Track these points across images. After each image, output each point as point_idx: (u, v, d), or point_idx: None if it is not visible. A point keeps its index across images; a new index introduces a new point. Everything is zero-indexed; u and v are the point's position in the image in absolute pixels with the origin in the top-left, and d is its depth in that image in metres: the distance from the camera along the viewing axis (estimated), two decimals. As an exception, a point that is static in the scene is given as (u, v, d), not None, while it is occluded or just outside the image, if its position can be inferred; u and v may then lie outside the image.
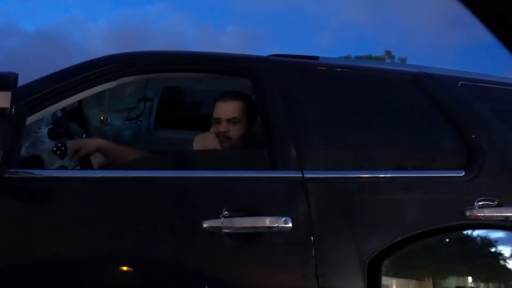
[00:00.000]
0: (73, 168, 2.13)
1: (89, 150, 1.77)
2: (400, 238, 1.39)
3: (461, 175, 1.55)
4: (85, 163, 1.82)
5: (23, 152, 1.78)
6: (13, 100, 1.16)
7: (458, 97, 1.77)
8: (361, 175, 1.54)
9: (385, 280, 1.37)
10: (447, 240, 1.51)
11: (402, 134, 1.69)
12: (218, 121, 1.80)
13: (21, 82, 1.38)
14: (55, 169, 1.79)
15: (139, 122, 2.50)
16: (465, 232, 1.54)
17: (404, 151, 1.67)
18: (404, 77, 1.85)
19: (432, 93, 1.76)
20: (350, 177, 1.52)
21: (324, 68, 1.83)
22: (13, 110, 1.16)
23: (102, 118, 2.41)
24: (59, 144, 1.96)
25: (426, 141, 1.69)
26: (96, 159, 2.13)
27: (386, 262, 1.36)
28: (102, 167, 2.16)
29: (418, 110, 1.76)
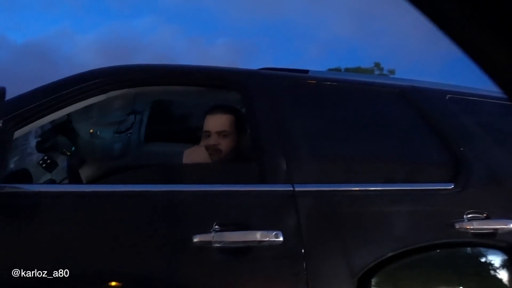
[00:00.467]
0: (61, 182, 2.11)
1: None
2: (390, 254, 1.39)
3: (450, 187, 1.57)
4: (74, 178, 1.80)
5: (11, 165, 1.76)
6: (1, 114, 1.14)
7: (445, 110, 1.80)
8: (351, 188, 1.54)
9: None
10: (438, 256, 1.51)
11: (391, 147, 1.70)
12: (208, 134, 1.81)
13: (9, 95, 1.37)
14: (42, 183, 1.76)
15: (129, 135, 2.48)
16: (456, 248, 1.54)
17: (393, 164, 1.68)
18: (391, 90, 1.87)
19: (419, 106, 1.78)
20: (341, 190, 1.53)
21: (313, 81, 1.84)
22: (0, 124, 1.14)
23: (91, 131, 2.39)
24: (45, 157, 1.93)
25: (415, 154, 1.70)
26: (85, 172, 2.11)
27: (375, 279, 1.36)
28: (91, 180, 2.15)
29: (406, 123, 1.77)
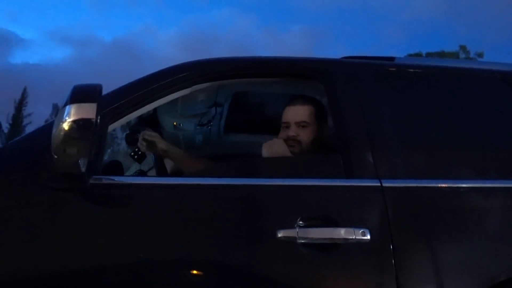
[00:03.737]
0: (148, 172, 2.22)
1: (156, 150, 1.85)
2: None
3: None
4: (161, 168, 1.88)
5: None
6: (98, 110, 1.21)
7: None
8: (444, 184, 1.44)
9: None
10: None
11: (489, 137, 1.56)
12: (287, 125, 1.79)
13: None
14: (134, 175, 1.86)
15: (209, 127, 2.54)
16: None
17: (493, 157, 1.53)
18: (489, 75, 1.71)
19: None
20: (432, 187, 1.43)
21: (400, 69, 1.74)
22: (98, 120, 1.20)
23: (175, 123, 2.48)
24: (136, 149, 2.04)
25: None
26: (168, 164, 2.19)
27: None
28: (176, 171, 2.23)
29: (507, 111, 1.61)
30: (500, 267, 1.34)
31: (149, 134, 1.87)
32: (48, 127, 1.35)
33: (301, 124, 1.77)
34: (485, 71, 1.77)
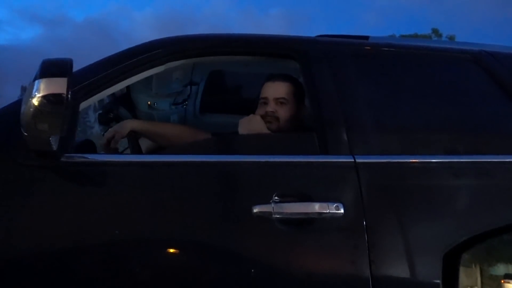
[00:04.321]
0: (123, 152, 2.19)
1: (123, 133, 1.78)
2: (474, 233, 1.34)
3: None
4: (135, 148, 1.85)
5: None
6: (70, 85, 1.18)
7: None
8: (416, 160, 1.47)
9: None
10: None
11: (461, 116, 1.60)
12: (266, 101, 1.79)
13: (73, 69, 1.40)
14: (107, 154, 1.83)
15: (185, 107, 2.52)
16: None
17: (463, 134, 1.58)
18: (462, 55, 1.75)
19: (494, 72, 1.65)
20: (404, 162, 1.46)
21: (376, 48, 1.76)
22: (69, 95, 1.18)
23: (149, 103, 2.44)
24: (109, 129, 2.00)
25: (489, 123, 1.59)
26: (143, 144, 2.17)
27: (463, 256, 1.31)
28: (151, 151, 2.21)
29: (479, 91, 1.66)
30: (462, 231, 1.38)
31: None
32: (17, 105, 1.31)
33: (279, 101, 1.77)
34: (457, 50, 1.80)
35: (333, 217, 1.32)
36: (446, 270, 1.30)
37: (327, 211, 1.32)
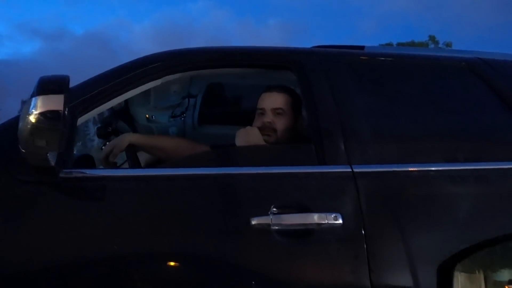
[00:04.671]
0: (122, 166, 2.19)
1: (122, 147, 1.79)
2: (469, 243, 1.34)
3: None
4: (134, 162, 1.86)
5: (74, 151, 1.84)
6: (66, 102, 1.18)
7: None
8: (414, 169, 1.47)
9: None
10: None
11: (458, 124, 1.61)
12: (263, 111, 1.79)
13: (72, 83, 1.42)
14: (106, 168, 1.83)
15: (183, 119, 2.52)
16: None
17: (461, 143, 1.58)
18: (456, 63, 1.76)
19: (489, 79, 1.66)
20: (402, 171, 1.46)
21: (372, 57, 1.77)
22: (66, 112, 1.18)
23: (147, 116, 2.45)
24: (107, 143, 2.01)
25: (485, 131, 1.60)
26: (142, 157, 2.17)
27: (458, 266, 1.30)
28: (149, 164, 2.22)
29: (475, 98, 1.67)
30: (460, 242, 1.37)
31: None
32: (14, 121, 1.32)
33: (277, 111, 1.77)
34: (453, 59, 1.81)
35: (332, 228, 1.32)
36: (442, 281, 1.30)
37: (326, 222, 1.32)
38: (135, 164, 1.89)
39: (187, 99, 2.39)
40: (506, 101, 1.61)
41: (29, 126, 1.16)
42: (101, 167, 1.83)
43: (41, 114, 1.15)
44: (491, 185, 1.47)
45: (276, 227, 1.31)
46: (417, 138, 1.57)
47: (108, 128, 2.23)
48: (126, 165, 2.28)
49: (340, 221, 1.32)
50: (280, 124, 1.77)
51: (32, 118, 1.15)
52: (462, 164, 1.50)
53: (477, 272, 1.38)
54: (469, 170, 1.48)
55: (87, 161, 1.90)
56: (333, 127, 1.49)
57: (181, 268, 1.33)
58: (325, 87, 1.57)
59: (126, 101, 2.22)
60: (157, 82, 1.62)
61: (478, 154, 1.55)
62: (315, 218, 1.33)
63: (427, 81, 1.71)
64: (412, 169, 1.47)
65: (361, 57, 1.76)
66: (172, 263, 1.33)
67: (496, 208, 1.43)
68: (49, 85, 1.19)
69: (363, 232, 1.33)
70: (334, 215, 1.32)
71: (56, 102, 1.16)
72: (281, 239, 1.32)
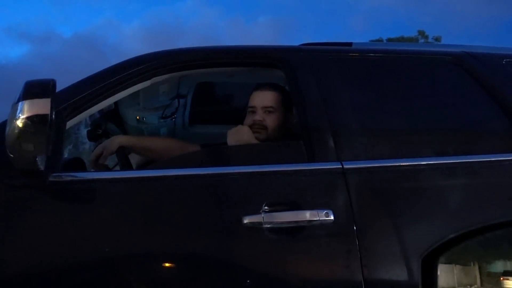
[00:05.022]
0: (113, 168, 2.18)
1: (112, 149, 1.79)
2: (452, 234, 1.34)
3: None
4: (125, 163, 1.85)
5: (65, 154, 1.83)
6: (53, 105, 1.18)
7: (503, 76, 1.68)
8: (403, 163, 1.48)
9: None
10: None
11: (445, 118, 1.62)
12: (254, 109, 1.80)
13: (62, 86, 1.41)
14: (96, 171, 1.83)
15: (174, 119, 2.52)
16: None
17: (449, 136, 1.60)
18: (443, 58, 1.78)
19: (474, 73, 1.68)
20: (391, 166, 1.47)
21: (358, 54, 1.78)
22: (53, 115, 1.18)
23: (138, 117, 2.44)
24: (98, 145, 2.00)
25: (472, 124, 1.61)
26: (133, 159, 2.16)
27: (441, 258, 1.31)
28: (141, 165, 2.21)
29: (461, 92, 1.68)
30: (453, 233, 1.38)
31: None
32: (2, 126, 1.31)
33: (267, 109, 1.78)
34: (439, 53, 1.83)
35: (324, 224, 1.33)
36: (434, 273, 1.31)
37: (317, 219, 1.32)
38: (126, 166, 1.88)
39: (176, 100, 2.38)
40: (492, 94, 1.62)
41: (16, 131, 1.15)
42: (92, 170, 1.82)
43: (27, 118, 1.15)
44: (479, 177, 1.49)
45: (268, 225, 1.31)
46: (405, 133, 1.58)
47: (98, 130, 2.22)
48: (118, 167, 2.27)
49: (332, 217, 1.33)
50: (271, 121, 1.77)
51: (19, 123, 1.15)
52: (451, 158, 1.51)
53: (471, 264, 1.40)
54: (458, 163, 1.50)
55: (78, 164, 1.89)
56: (322, 124, 1.50)
57: (174, 268, 1.33)
58: (313, 83, 1.58)
59: (115, 102, 2.21)
60: (146, 84, 1.61)
61: (465, 147, 1.57)
62: (307, 215, 1.33)
63: (414, 76, 1.73)
64: (402, 163, 1.48)
65: (348, 53, 1.77)
66: (165, 264, 1.33)
67: (485, 200, 1.45)
68: (35, 89, 1.18)
69: (354, 227, 1.33)
70: (325, 211, 1.33)
71: (42, 106, 1.16)
72: (273, 237, 1.32)
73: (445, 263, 1.34)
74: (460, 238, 1.35)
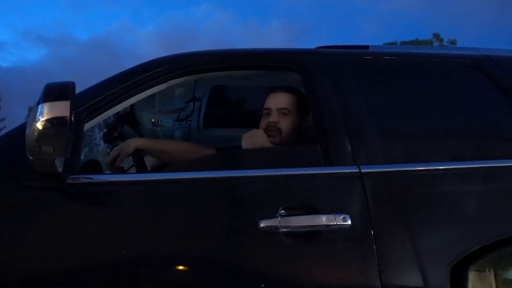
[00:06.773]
0: (128, 170, 2.19)
1: (128, 151, 1.80)
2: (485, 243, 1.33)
3: None
4: (140, 166, 1.86)
5: (81, 157, 1.84)
6: (73, 108, 1.19)
7: None
8: (420, 168, 1.46)
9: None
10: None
11: (464, 122, 1.59)
12: (269, 111, 1.80)
13: (78, 89, 1.42)
14: (113, 173, 1.84)
15: (189, 122, 2.53)
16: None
17: (467, 140, 1.57)
18: (462, 61, 1.75)
19: (495, 76, 1.65)
20: (409, 170, 1.45)
21: (375, 57, 1.76)
22: (72, 118, 1.19)
23: (153, 120, 2.46)
24: (114, 148, 2.01)
25: (492, 128, 1.58)
26: (148, 161, 2.18)
27: (472, 267, 1.29)
28: (155, 168, 2.22)
29: (481, 96, 1.65)
30: (472, 241, 1.36)
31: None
32: (21, 128, 1.33)
33: (282, 111, 1.78)
34: (458, 56, 1.80)
35: (340, 229, 1.32)
36: (455, 281, 1.29)
37: (334, 223, 1.31)
38: (142, 168, 1.89)
39: (192, 103, 2.39)
40: None
41: (36, 133, 1.16)
42: (108, 172, 1.83)
43: (47, 120, 1.16)
44: (498, 183, 1.46)
45: (285, 229, 1.31)
46: (423, 137, 1.56)
47: (114, 133, 2.23)
48: (133, 170, 2.28)
49: (349, 222, 1.31)
50: (285, 124, 1.77)
51: (39, 125, 1.16)
52: (469, 162, 1.49)
53: (487, 270, 1.37)
54: (476, 168, 1.47)
55: (94, 166, 1.90)
56: (339, 127, 1.49)
57: (189, 272, 1.33)
58: (329, 87, 1.57)
59: (131, 105, 2.23)
60: (163, 86, 1.62)
61: (485, 152, 1.54)
62: (324, 219, 1.32)
63: (432, 79, 1.71)
64: (419, 168, 1.45)
65: (365, 57, 1.76)
66: (180, 267, 1.32)
67: (505, 206, 1.42)
68: (55, 92, 1.20)
69: (372, 232, 1.32)
70: (342, 216, 1.32)
71: (62, 109, 1.17)
72: (289, 241, 1.31)
73: (472, 270, 1.31)
74: (493, 246, 1.32)
